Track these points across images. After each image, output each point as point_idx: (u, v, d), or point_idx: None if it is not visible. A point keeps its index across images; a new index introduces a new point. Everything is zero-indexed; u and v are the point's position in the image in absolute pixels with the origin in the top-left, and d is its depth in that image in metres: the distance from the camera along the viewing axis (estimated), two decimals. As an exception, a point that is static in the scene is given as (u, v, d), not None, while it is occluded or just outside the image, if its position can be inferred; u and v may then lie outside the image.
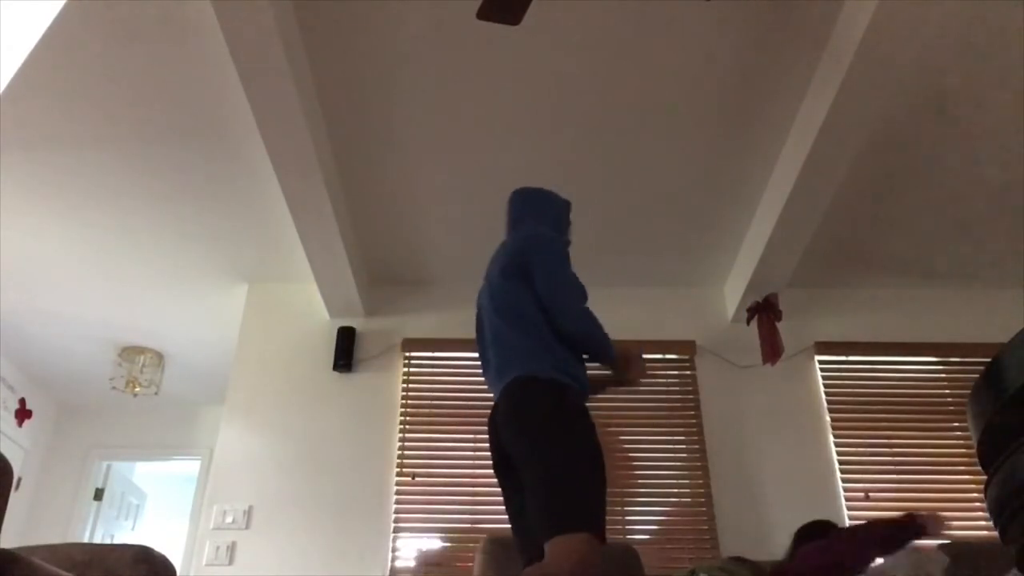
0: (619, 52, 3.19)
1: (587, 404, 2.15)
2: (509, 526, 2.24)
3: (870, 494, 4.10)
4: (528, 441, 2.05)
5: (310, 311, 4.53)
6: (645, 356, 4.41)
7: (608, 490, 1.99)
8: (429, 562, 3.96)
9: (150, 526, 6.77)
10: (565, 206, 2.58)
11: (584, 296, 2.27)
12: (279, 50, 2.81)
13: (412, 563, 3.96)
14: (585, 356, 2.26)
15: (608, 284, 4.56)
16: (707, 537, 3.99)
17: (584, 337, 2.22)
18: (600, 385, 2.39)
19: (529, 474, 2.01)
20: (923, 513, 2.72)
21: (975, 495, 3.97)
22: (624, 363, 2.33)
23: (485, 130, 3.58)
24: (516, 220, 2.51)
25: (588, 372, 2.25)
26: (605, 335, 2.24)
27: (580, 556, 1.79)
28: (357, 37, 3.09)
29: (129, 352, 5.35)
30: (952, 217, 4.12)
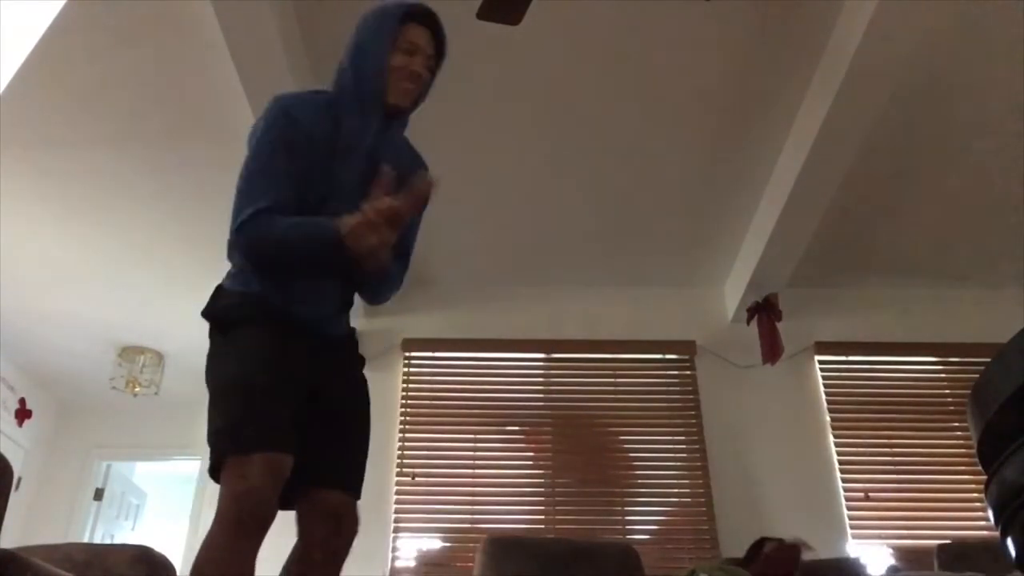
0: (619, 53, 3.19)
1: (291, 316, 1.65)
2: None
3: (870, 494, 4.10)
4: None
5: (310, 311, 4.52)
6: (644, 356, 4.49)
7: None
8: (429, 562, 3.96)
9: (150, 526, 6.76)
10: (373, 22, 1.76)
11: (264, 206, 1.67)
12: (279, 50, 2.81)
13: (412, 563, 3.96)
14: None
15: (609, 284, 4.57)
16: (707, 537, 3.99)
17: (262, 262, 1.68)
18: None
19: None
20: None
21: (975, 495, 3.97)
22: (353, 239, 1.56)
23: (485, 130, 3.57)
24: None
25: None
26: (299, 239, 1.63)
27: (230, 492, 1.49)
28: (357, 37, 3.09)
29: (129, 352, 5.35)
30: (951, 217, 4.12)
